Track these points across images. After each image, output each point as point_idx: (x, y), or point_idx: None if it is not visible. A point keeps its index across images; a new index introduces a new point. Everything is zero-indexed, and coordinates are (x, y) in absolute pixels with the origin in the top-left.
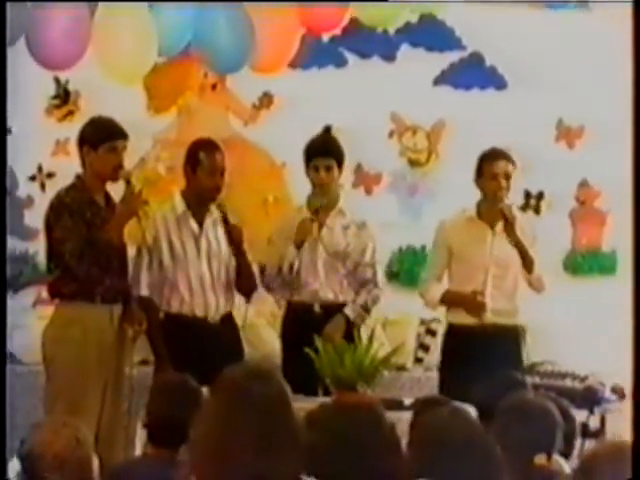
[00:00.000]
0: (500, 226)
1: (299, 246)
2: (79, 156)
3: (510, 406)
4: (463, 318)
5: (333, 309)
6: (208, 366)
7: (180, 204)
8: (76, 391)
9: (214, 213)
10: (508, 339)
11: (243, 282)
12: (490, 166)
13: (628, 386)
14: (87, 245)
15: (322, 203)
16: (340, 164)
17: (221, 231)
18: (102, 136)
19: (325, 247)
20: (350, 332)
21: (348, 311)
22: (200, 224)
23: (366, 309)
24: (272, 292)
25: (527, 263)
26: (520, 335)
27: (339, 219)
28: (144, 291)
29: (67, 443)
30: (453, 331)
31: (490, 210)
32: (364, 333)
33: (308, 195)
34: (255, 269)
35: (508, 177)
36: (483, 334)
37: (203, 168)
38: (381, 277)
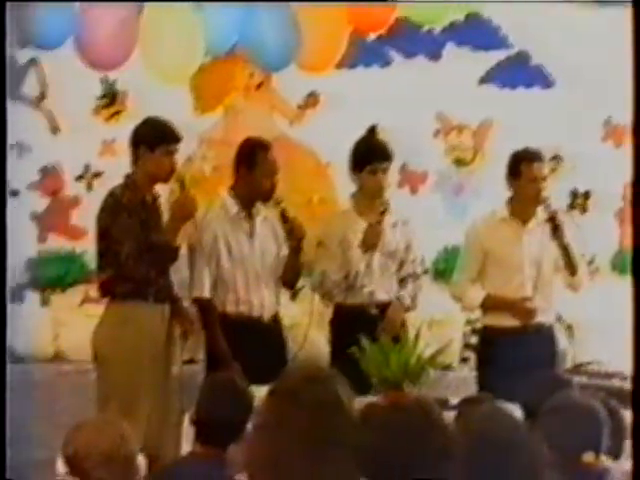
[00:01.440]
0: (533, 224)
1: (367, 251)
2: (132, 155)
3: (555, 405)
4: (502, 320)
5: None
6: (261, 365)
7: (232, 204)
8: (129, 390)
9: (262, 211)
10: (545, 338)
11: (289, 274)
12: (529, 168)
13: None
14: (144, 246)
15: (386, 206)
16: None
17: (270, 230)
18: (160, 138)
19: (379, 248)
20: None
21: (404, 293)
22: (252, 223)
23: (415, 296)
24: (330, 298)
25: (571, 266)
26: (555, 333)
27: (387, 218)
28: (206, 293)
29: (112, 441)
30: (490, 333)
31: (524, 209)
32: (410, 333)
33: (354, 196)
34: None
35: (545, 179)
36: (521, 334)
37: (259, 168)
38: (421, 272)
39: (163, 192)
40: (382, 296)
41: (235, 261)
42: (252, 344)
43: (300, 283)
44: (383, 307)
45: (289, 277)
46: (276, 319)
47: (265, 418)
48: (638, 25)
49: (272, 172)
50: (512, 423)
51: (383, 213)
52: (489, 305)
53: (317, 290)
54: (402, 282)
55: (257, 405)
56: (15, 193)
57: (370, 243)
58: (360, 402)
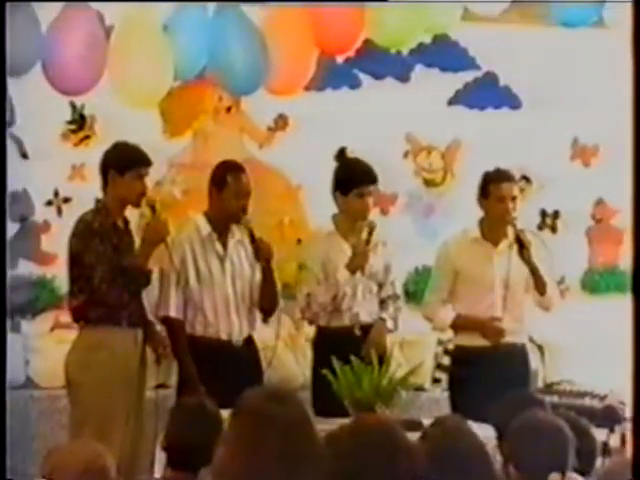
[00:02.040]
0: (504, 244)
1: (354, 272)
2: (102, 180)
3: (521, 425)
4: (472, 340)
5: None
6: (231, 389)
7: (205, 226)
8: (103, 415)
9: (236, 234)
10: (516, 358)
11: (267, 300)
12: (497, 188)
13: None
14: (117, 271)
15: (373, 227)
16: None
17: (244, 252)
18: (130, 162)
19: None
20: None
21: (385, 315)
22: (224, 245)
23: (395, 318)
24: (315, 320)
25: (540, 286)
26: (527, 353)
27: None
28: (173, 312)
29: (88, 457)
30: (461, 353)
31: (494, 230)
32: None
33: (336, 218)
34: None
35: (514, 199)
36: (493, 355)
37: (230, 190)
38: (400, 293)
39: (133, 216)
40: (365, 318)
41: (203, 283)
42: (221, 367)
43: None
44: (366, 329)
45: (266, 304)
46: (248, 342)
47: (231, 439)
48: (638, 25)
49: (242, 194)
50: (475, 442)
51: (370, 234)
52: (459, 325)
53: (304, 313)
54: (382, 304)
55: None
56: None
57: (358, 264)
58: (332, 424)
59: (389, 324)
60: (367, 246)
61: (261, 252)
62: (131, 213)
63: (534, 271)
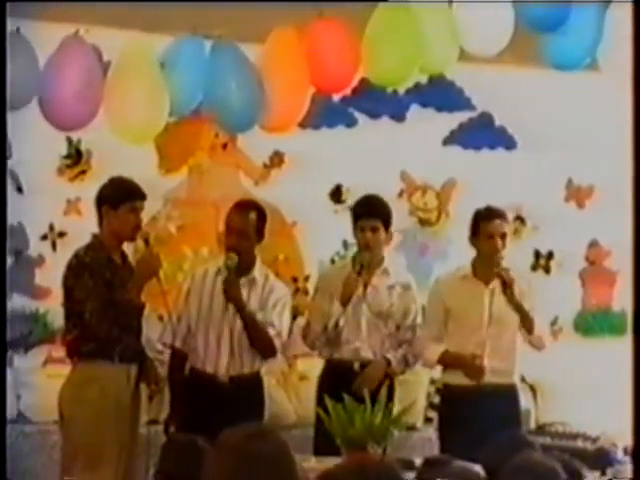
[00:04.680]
0: (495, 284)
1: (345, 303)
2: (97, 215)
3: (515, 466)
4: (459, 379)
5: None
6: (214, 424)
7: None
8: (94, 451)
9: (250, 274)
10: (505, 398)
11: (255, 344)
12: (486, 226)
13: None
14: (108, 305)
15: (365, 261)
16: (387, 226)
17: (254, 292)
18: (123, 196)
19: (369, 306)
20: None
21: (390, 356)
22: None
23: (406, 362)
24: (315, 350)
25: (527, 324)
26: (517, 394)
27: (384, 279)
28: (167, 339)
29: None
30: (450, 391)
31: (485, 268)
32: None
33: (353, 255)
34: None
35: (504, 236)
36: (479, 394)
37: (227, 229)
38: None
39: (129, 250)
40: (368, 354)
41: (201, 316)
42: (205, 402)
43: None
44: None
45: (255, 347)
46: (238, 380)
47: (212, 475)
48: (638, 25)
49: (230, 231)
50: None
51: (362, 265)
52: (445, 362)
53: (304, 341)
54: (399, 347)
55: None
56: None
57: (345, 295)
58: (327, 462)
59: (394, 365)
60: (358, 279)
61: (227, 293)
62: (129, 247)
63: (519, 309)
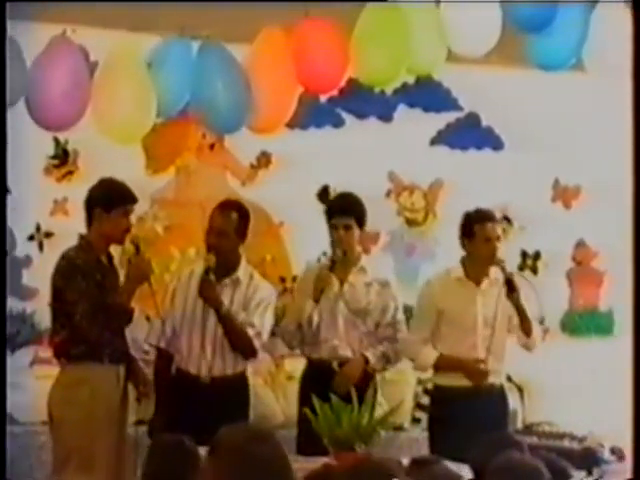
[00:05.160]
0: (486, 284)
1: (317, 299)
2: (86, 216)
3: (498, 466)
4: (453, 380)
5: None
6: (198, 425)
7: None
8: (86, 453)
9: (234, 274)
10: (496, 398)
11: (234, 345)
12: (483, 229)
13: (627, 447)
14: (99, 308)
15: (338, 258)
16: (360, 223)
17: (237, 294)
18: (117, 200)
19: (346, 303)
20: (366, 383)
21: (368, 354)
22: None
23: (387, 358)
24: (293, 349)
25: (526, 327)
26: (506, 394)
27: (361, 276)
28: (163, 343)
29: None
30: (441, 393)
31: (477, 269)
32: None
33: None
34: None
35: (499, 239)
36: (472, 395)
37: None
38: (404, 336)
39: (116, 252)
40: (346, 352)
41: (185, 317)
42: (189, 402)
43: None
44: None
45: (234, 348)
46: (221, 381)
47: (209, 477)
48: (638, 25)
49: (211, 231)
50: None
51: (333, 262)
52: (442, 365)
53: (282, 340)
54: (379, 344)
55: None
56: None
57: (316, 290)
58: (313, 462)
59: (373, 362)
60: (329, 274)
61: (201, 292)
62: (114, 249)
63: (522, 313)
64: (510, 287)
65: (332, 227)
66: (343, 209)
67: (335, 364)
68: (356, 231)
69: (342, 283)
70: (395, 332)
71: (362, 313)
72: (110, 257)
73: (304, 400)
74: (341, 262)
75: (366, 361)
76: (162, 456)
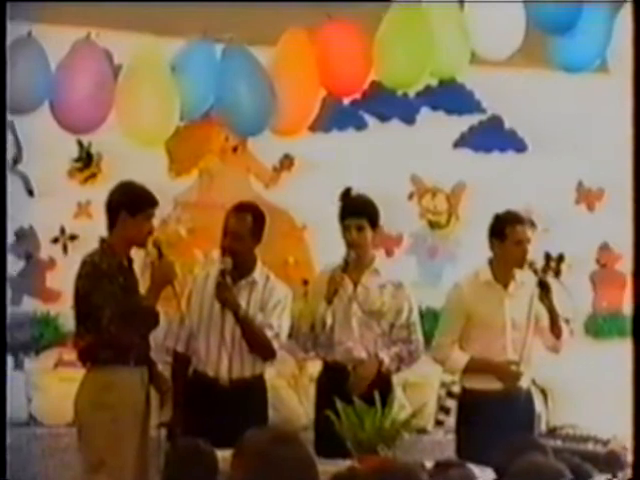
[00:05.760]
0: (513, 287)
1: (331, 300)
2: (109, 219)
3: (521, 468)
4: (481, 383)
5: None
6: (216, 427)
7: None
8: (117, 456)
9: (250, 276)
10: (524, 402)
11: (252, 346)
12: (514, 231)
13: None
14: (127, 312)
15: (351, 259)
16: (374, 224)
17: (254, 297)
18: (141, 203)
19: (360, 305)
20: (383, 384)
21: (383, 355)
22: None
23: (401, 359)
24: (308, 352)
25: (556, 329)
26: (533, 397)
27: (374, 278)
28: (180, 347)
29: None
30: (469, 396)
31: (505, 272)
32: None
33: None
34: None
35: (529, 241)
36: (501, 398)
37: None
38: (419, 337)
39: (137, 255)
40: (361, 354)
41: (202, 320)
42: (207, 405)
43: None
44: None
45: (253, 350)
46: (240, 384)
47: (237, 477)
48: (638, 25)
49: (226, 233)
50: None
51: (347, 263)
52: (474, 368)
53: (296, 343)
54: (394, 345)
55: (221, 468)
56: None
57: (329, 292)
58: (334, 465)
59: (387, 364)
60: (342, 275)
61: (220, 294)
62: (135, 252)
63: (554, 315)
64: (543, 288)
65: (345, 228)
66: (355, 210)
67: (350, 366)
68: (369, 232)
69: (355, 285)
70: (409, 333)
71: (376, 315)
72: (130, 260)
73: (320, 403)
74: (354, 263)
75: (381, 362)
76: (178, 461)
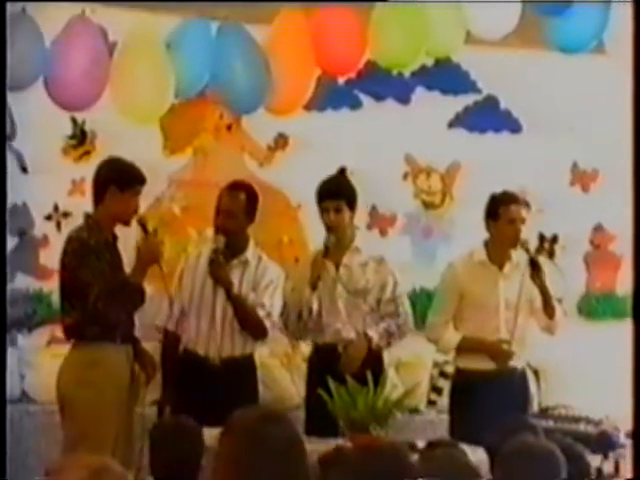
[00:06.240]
0: (508, 267)
1: (315, 286)
2: (97, 195)
3: (513, 449)
4: (474, 363)
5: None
6: (206, 406)
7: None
8: (98, 432)
9: (243, 256)
10: (518, 382)
11: (244, 325)
12: (507, 211)
13: None
14: (114, 288)
15: (330, 242)
16: (351, 205)
17: (246, 276)
18: (131, 179)
19: (344, 286)
20: (375, 364)
21: (371, 332)
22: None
23: (390, 334)
24: (298, 340)
25: (549, 309)
26: (527, 377)
27: (356, 257)
28: (161, 322)
29: (90, 469)
30: (463, 376)
31: (500, 252)
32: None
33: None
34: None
35: (524, 222)
36: (494, 378)
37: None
38: (406, 310)
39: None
40: (350, 334)
41: (193, 299)
42: (197, 384)
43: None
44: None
45: (245, 329)
46: (231, 363)
47: (223, 458)
48: (638, 25)
49: (219, 212)
50: (467, 468)
51: (327, 246)
52: (466, 347)
53: (286, 330)
54: (382, 321)
55: (211, 446)
56: None
57: (314, 276)
58: (326, 444)
59: (377, 340)
60: (323, 259)
61: (213, 273)
62: (119, 229)
63: (546, 295)
64: (534, 267)
65: (323, 210)
66: (332, 192)
67: (340, 347)
68: (347, 213)
69: (337, 266)
70: (397, 307)
71: (361, 293)
72: (115, 237)
73: (312, 382)
74: (334, 246)
75: (370, 340)
76: (163, 437)
